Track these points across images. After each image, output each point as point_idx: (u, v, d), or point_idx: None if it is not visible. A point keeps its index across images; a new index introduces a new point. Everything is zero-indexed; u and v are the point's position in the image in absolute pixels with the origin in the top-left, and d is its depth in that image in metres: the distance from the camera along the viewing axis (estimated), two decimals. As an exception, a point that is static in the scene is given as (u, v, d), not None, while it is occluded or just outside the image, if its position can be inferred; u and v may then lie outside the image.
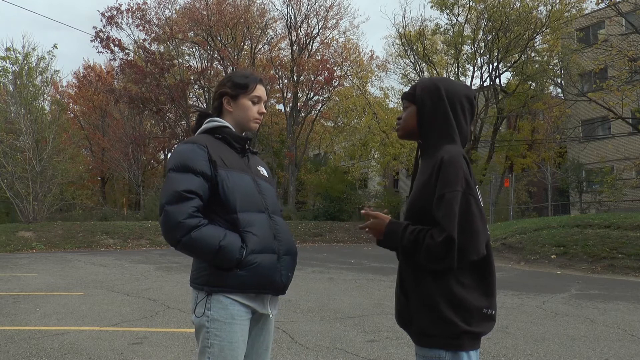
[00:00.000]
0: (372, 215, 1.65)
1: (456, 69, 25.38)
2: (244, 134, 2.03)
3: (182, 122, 28.81)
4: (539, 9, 22.78)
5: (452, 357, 1.51)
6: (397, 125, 1.77)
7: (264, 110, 2.05)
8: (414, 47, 25.37)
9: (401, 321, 1.64)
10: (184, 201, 1.74)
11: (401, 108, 1.78)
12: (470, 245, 1.44)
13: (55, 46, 29.09)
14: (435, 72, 25.24)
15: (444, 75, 25.69)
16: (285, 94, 29.29)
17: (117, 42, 26.53)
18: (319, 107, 30.60)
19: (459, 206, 1.46)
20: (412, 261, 1.57)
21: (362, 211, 1.69)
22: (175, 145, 1.97)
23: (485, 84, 25.27)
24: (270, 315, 1.92)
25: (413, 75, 26.69)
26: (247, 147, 2.00)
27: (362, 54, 30.99)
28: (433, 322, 1.51)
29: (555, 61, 23.91)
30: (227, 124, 1.97)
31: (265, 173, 2.05)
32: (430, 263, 1.49)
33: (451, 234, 1.43)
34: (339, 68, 28.46)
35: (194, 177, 1.78)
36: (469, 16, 24.02)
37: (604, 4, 15.88)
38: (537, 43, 24.15)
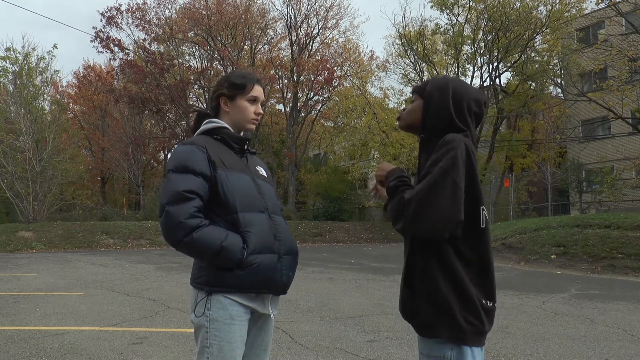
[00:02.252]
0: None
1: (456, 69, 25.37)
2: (242, 134, 2.03)
3: (182, 122, 28.81)
4: (539, 9, 22.81)
5: (457, 355, 1.51)
6: (399, 115, 1.77)
7: (261, 111, 2.04)
8: (414, 47, 25.36)
9: (405, 313, 1.64)
10: (185, 201, 1.74)
11: (401, 108, 1.79)
12: (424, 218, 1.45)
13: (55, 46, 29.08)
14: (435, 72, 25.23)
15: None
16: (285, 94, 29.30)
17: (117, 42, 26.54)
18: (319, 107, 30.63)
19: (434, 179, 1.47)
20: (420, 254, 1.59)
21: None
22: (175, 147, 1.98)
23: (485, 84, 25.27)
24: (271, 316, 1.92)
25: (413, 75, 26.70)
26: (245, 147, 2.00)
27: (362, 54, 31.04)
28: (437, 314, 1.52)
29: (555, 61, 23.91)
30: (225, 125, 1.96)
31: (264, 173, 2.05)
32: (391, 214, 1.55)
33: (413, 196, 1.47)
34: (339, 68, 28.46)
35: (194, 178, 1.78)
36: (469, 16, 24.02)
37: (604, 4, 15.88)
38: (537, 43, 24.16)
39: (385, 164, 1.70)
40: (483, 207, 1.56)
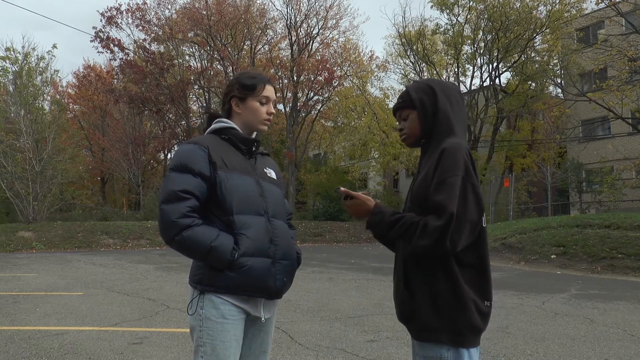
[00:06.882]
0: (352, 196, 1.69)
1: (456, 69, 25.39)
2: (254, 135, 2.02)
3: (182, 122, 28.80)
4: (539, 9, 22.82)
5: (454, 356, 1.51)
6: (402, 136, 1.77)
7: (273, 111, 2.04)
8: (414, 47, 25.36)
9: (402, 317, 1.64)
10: (179, 201, 1.76)
11: (399, 129, 1.79)
12: (457, 233, 1.46)
13: (55, 46, 29.01)
14: (435, 72, 25.24)
15: (444, 76, 25.72)
16: (285, 94, 29.27)
17: (116, 42, 26.53)
18: (318, 107, 30.61)
19: (456, 192, 1.48)
20: (418, 259, 1.58)
21: (341, 189, 1.71)
22: (178, 145, 1.99)
23: (485, 84, 25.28)
24: (263, 319, 1.90)
25: (413, 75, 26.68)
26: (253, 148, 1.99)
27: (362, 54, 31.00)
28: (437, 319, 1.52)
29: (555, 61, 23.92)
30: (234, 125, 1.96)
31: (273, 175, 2.03)
32: (423, 248, 1.50)
33: (453, 211, 1.46)
34: (338, 68, 28.45)
35: (192, 178, 1.79)
36: (469, 16, 24.02)
37: (604, 4, 15.87)
38: (537, 43, 24.16)
39: (356, 203, 1.67)
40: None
